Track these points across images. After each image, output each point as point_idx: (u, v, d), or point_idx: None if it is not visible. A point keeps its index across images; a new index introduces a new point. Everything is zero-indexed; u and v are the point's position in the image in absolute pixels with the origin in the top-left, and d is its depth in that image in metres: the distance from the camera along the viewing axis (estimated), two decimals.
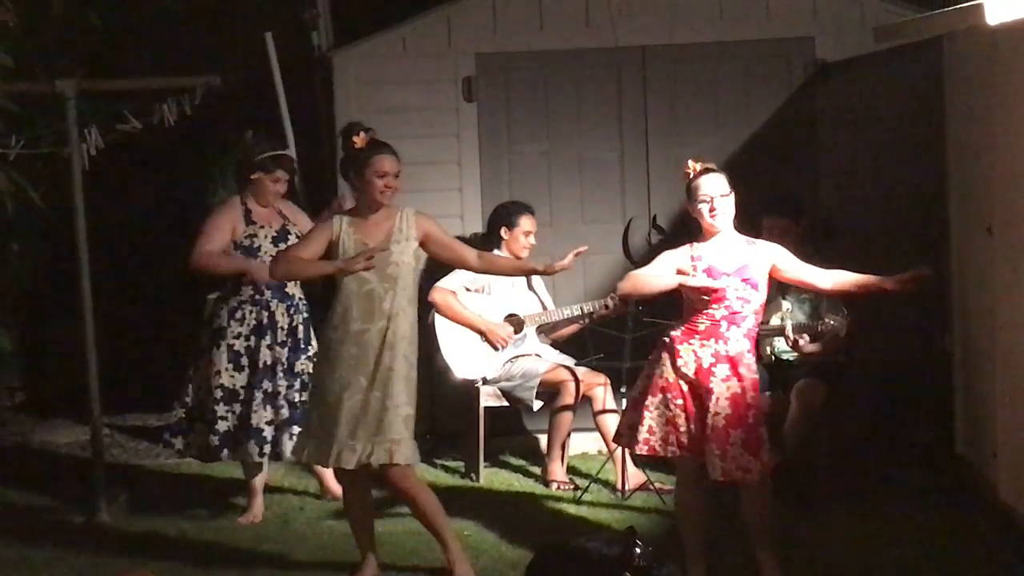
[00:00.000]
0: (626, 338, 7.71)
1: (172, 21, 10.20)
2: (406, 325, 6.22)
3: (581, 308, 8.15)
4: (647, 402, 6.09)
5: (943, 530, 6.81)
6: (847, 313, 7.21)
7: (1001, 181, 6.62)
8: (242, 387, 7.35)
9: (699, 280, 6.01)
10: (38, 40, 9.00)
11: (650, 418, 6.08)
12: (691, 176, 6.15)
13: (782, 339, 7.55)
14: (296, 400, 7.36)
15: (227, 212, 7.47)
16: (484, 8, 8.74)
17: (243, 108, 9.43)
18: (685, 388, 6.04)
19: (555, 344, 8.33)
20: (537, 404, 8.05)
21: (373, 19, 9.10)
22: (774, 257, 6.14)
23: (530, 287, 8.35)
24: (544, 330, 8.33)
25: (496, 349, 8.11)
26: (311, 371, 7.22)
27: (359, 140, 6.30)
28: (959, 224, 7.55)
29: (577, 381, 7.95)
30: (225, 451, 7.35)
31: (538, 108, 8.81)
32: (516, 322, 8.20)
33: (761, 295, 6.09)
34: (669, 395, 6.05)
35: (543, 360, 8.14)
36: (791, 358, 7.57)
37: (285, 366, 7.39)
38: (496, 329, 8.10)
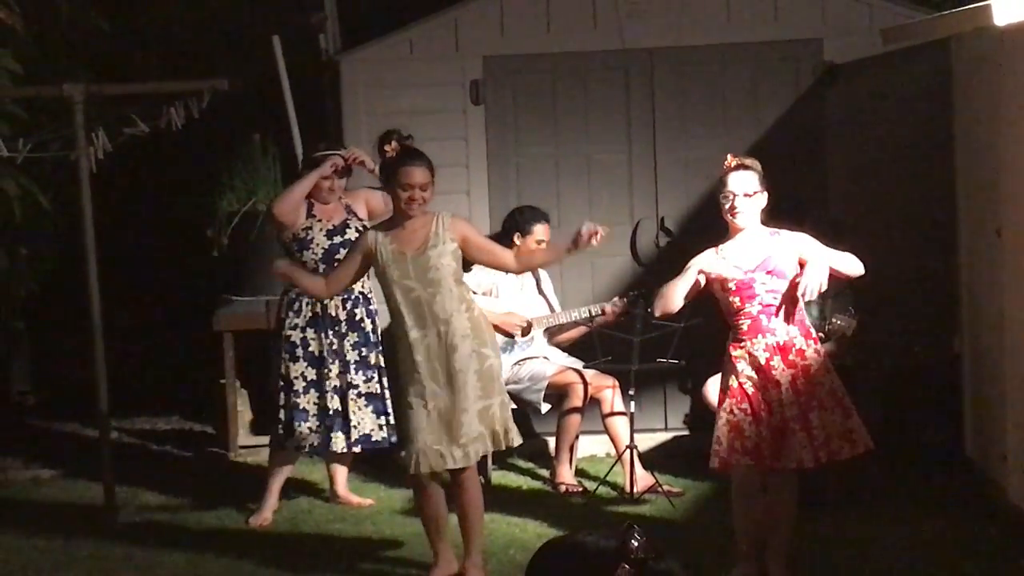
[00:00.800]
0: (634, 340, 7.70)
1: (180, 25, 10.22)
2: (464, 324, 6.26)
3: (589, 311, 8.14)
4: (718, 415, 6.13)
5: (952, 533, 6.80)
6: (853, 313, 7.20)
7: (1010, 183, 6.61)
8: (295, 377, 7.38)
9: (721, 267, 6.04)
10: (46, 45, 9.01)
11: (718, 429, 6.10)
12: (726, 169, 6.16)
13: None
14: (377, 391, 7.43)
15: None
16: (491, 11, 8.74)
17: (251, 112, 9.44)
18: (750, 392, 6.04)
19: (560, 348, 8.32)
20: (545, 407, 8.04)
21: (380, 23, 9.10)
22: (799, 247, 6.13)
23: (539, 290, 8.34)
24: (551, 333, 8.32)
25: (510, 338, 8.09)
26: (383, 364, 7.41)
27: (390, 149, 6.35)
28: (968, 226, 7.54)
29: (585, 383, 7.94)
30: (308, 439, 7.41)
31: (546, 111, 8.81)
32: (526, 325, 8.18)
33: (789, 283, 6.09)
34: (733, 400, 6.07)
35: (551, 362, 8.14)
36: None
37: (348, 358, 7.40)
38: (507, 318, 8.08)
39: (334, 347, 7.40)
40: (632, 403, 7.72)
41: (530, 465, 8.46)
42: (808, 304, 7.48)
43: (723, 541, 6.57)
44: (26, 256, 9.38)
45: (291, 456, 7.52)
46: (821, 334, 7.23)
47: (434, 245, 6.24)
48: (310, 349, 7.40)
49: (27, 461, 9.04)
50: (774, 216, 7.49)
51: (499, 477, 8.17)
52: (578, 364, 8.12)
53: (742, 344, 6.08)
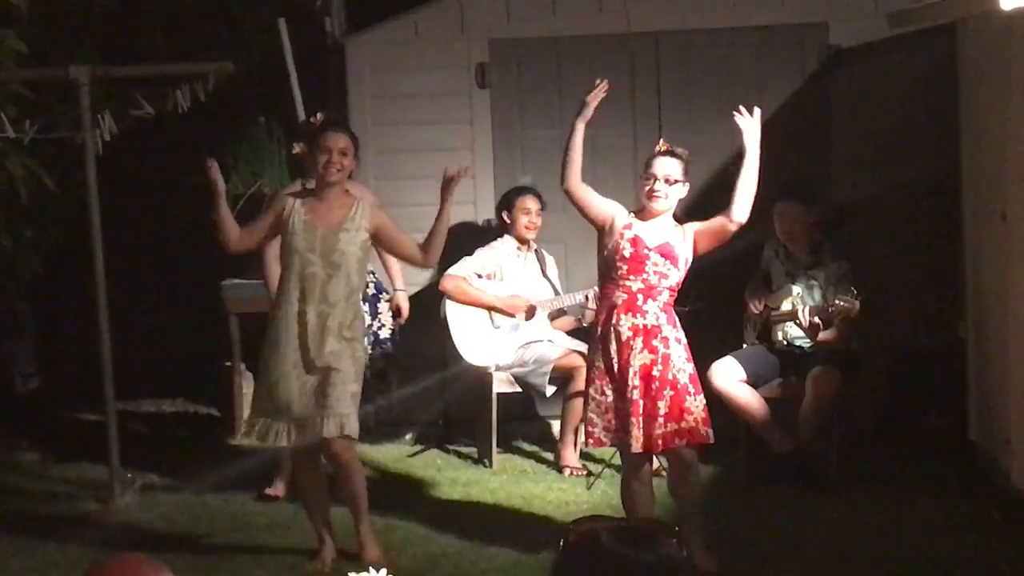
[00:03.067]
0: None
1: (185, 7, 10.20)
2: (348, 314, 6.25)
3: (587, 294, 8.13)
4: (587, 394, 6.18)
5: (956, 517, 6.81)
6: (856, 294, 7.20)
7: (1015, 167, 6.61)
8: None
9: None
10: (51, 26, 9.00)
11: (590, 411, 6.16)
12: (655, 151, 6.19)
13: (794, 325, 7.56)
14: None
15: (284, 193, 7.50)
16: None
17: (256, 94, 9.43)
18: (615, 371, 6.07)
19: (567, 331, 8.33)
20: (550, 390, 8.06)
21: (386, 5, 9.09)
22: (690, 230, 6.18)
23: (543, 274, 8.35)
24: (553, 316, 8.34)
25: (515, 323, 8.10)
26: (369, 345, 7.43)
27: (315, 120, 6.38)
28: (972, 210, 7.54)
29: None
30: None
31: (551, 94, 8.80)
32: (529, 309, 8.20)
33: (679, 274, 6.13)
34: (600, 383, 6.13)
35: (556, 346, 8.14)
36: (805, 345, 7.57)
37: None
38: (511, 300, 8.10)
39: None
40: None
41: (535, 448, 8.47)
42: (811, 289, 7.53)
43: (726, 523, 6.59)
44: (31, 238, 9.38)
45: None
46: (831, 310, 7.25)
47: (347, 229, 6.25)
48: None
49: (31, 443, 9.05)
50: (783, 199, 7.54)
51: (503, 461, 8.18)
52: (583, 347, 8.12)
53: (612, 320, 6.08)
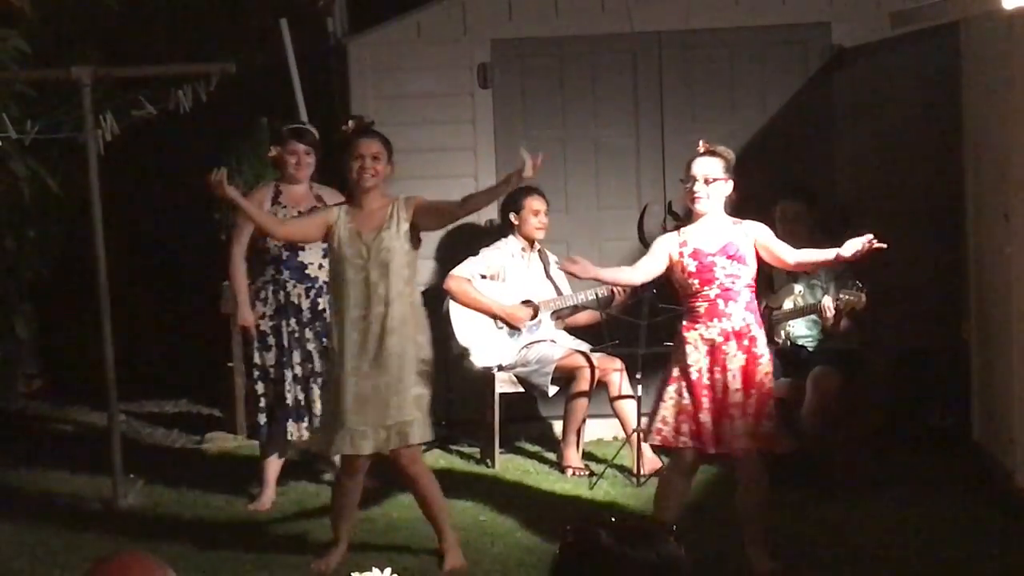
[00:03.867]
0: (641, 324, 7.70)
1: (188, 8, 10.21)
2: (405, 308, 6.25)
3: (596, 293, 8.14)
4: (664, 393, 6.14)
5: (959, 517, 6.80)
6: (861, 286, 7.18)
7: (1018, 167, 6.61)
8: (271, 366, 7.37)
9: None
10: (54, 26, 9.01)
11: (664, 408, 6.12)
12: (695, 153, 6.19)
13: (798, 324, 7.55)
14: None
15: (256, 194, 7.47)
16: None
17: (258, 95, 9.43)
18: (703, 377, 6.05)
19: (570, 331, 8.33)
20: (552, 390, 8.05)
21: (387, 6, 9.09)
22: (756, 233, 6.16)
23: (547, 274, 8.35)
24: (560, 316, 8.33)
25: (516, 331, 8.11)
26: None
27: (347, 127, 6.37)
28: (976, 210, 7.53)
29: (592, 367, 7.95)
30: (266, 429, 7.41)
31: (553, 94, 8.80)
32: (531, 308, 8.19)
33: (751, 269, 6.11)
34: (683, 384, 6.09)
35: (558, 346, 8.14)
36: (807, 344, 7.56)
37: (310, 347, 7.37)
38: (513, 311, 8.10)
39: (296, 335, 7.37)
40: (639, 387, 7.72)
41: (537, 448, 8.47)
42: (813, 288, 7.52)
43: (728, 525, 6.58)
44: (34, 239, 9.39)
45: (281, 444, 7.50)
46: (837, 305, 7.23)
47: (388, 228, 6.25)
48: (281, 338, 7.37)
49: (35, 444, 9.05)
50: (785, 199, 7.54)
51: (506, 461, 8.18)
52: (585, 347, 8.13)
53: (696, 327, 6.08)
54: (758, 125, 8.65)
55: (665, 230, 8.63)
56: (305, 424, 7.34)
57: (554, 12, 8.72)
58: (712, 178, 6.11)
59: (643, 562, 2.56)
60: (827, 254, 6.17)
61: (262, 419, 7.43)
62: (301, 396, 7.37)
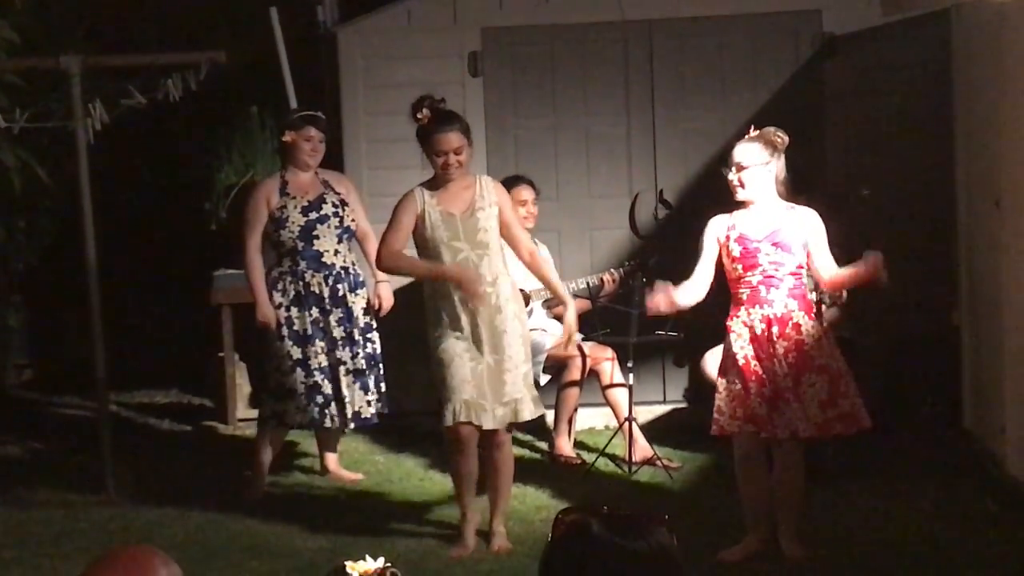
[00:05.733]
0: (633, 313, 7.70)
1: None
2: (508, 287, 6.34)
3: (587, 282, 8.14)
4: (718, 384, 6.17)
5: (950, 504, 6.81)
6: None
7: (1009, 154, 6.60)
8: (283, 357, 7.35)
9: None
10: (43, 15, 8.98)
11: (719, 399, 6.14)
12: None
13: None
14: (363, 367, 7.36)
15: (263, 188, 7.47)
16: None
17: (248, 84, 9.41)
18: (751, 364, 6.05)
19: (561, 319, 8.32)
20: (544, 379, 8.04)
21: None
22: (809, 228, 6.13)
23: None
24: (550, 305, 8.32)
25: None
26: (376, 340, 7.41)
27: (422, 116, 6.34)
28: (967, 197, 7.53)
29: (584, 356, 7.94)
30: (296, 416, 7.41)
31: (544, 83, 8.78)
32: (523, 297, 8.18)
33: (796, 258, 6.09)
34: (733, 371, 6.09)
35: (549, 335, 8.13)
36: None
37: (335, 335, 7.35)
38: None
39: (320, 324, 7.35)
40: (631, 376, 7.72)
41: (529, 437, 8.45)
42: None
43: (720, 514, 6.59)
44: (24, 229, 9.36)
45: (279, 433, 7.50)
46: (825, 301, 7.23)
47: (481, 208, 6.31)
48: (295, 328, 7.34)
49: (25, 435, 9.04)
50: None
51: None
52: (576, 336, 8.11)
53: (739, 314, 6.08)
54: (749, 113, 8.61)
55: (656, 218, 8.66)
56: (335, 410, 7.32)
57: (544, 0, 8.70)
58: (746, 165, 6.09)
59: (635, 551, 2.55)
60: (857, 274, 6.15)
61: (268, 409, 7.42)
62: (330, 386, 7.33)
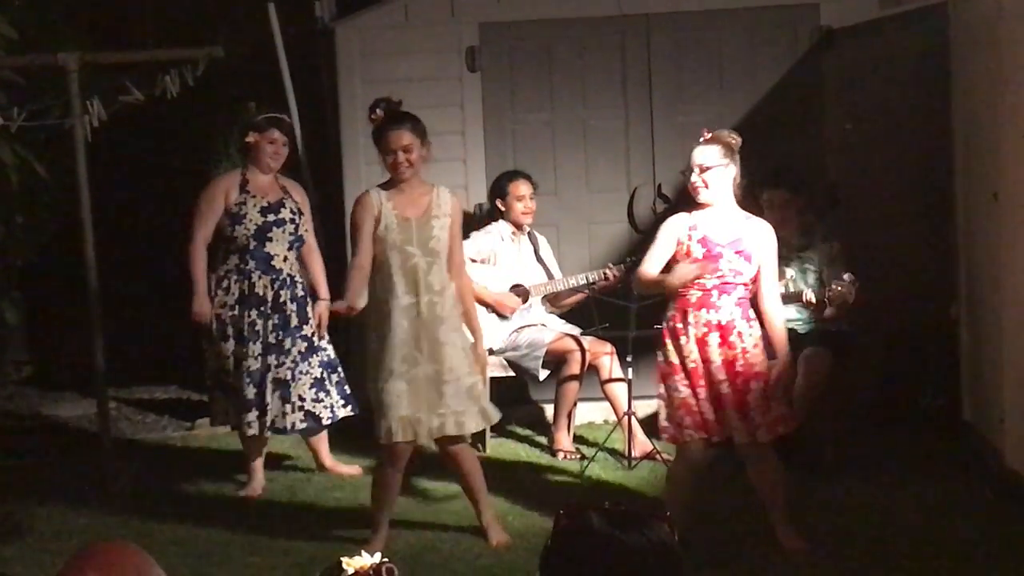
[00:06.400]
0: (632, 307, 7.70)
1: None
2: (452, 297, 6.26)
3: (587, 277, 8.14)
4: (659, 391, 6.15)
5: (950, 497, 6.81)
6: (854, 279, 7.18)
7: (1007, 147, 6.60)
8: (227, 357, 7.32)
9: (699, 267, 6.00)
10: (40, 12, 8.97)
11: (664, 406, 6.12)
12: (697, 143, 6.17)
13: (788, 308, 7.54)
14: (287, 378, 7.30)
15: (222, 182, 7.44)
16: None
17: (246, 80, 9.40)
18: (691, 367, 6.04)
19: (560, 314, 8.33)
20: (543, 374, 8.05)
21: None
22: (762, 242, 6.09)
23: (537, 257, 8.34)
24: (549, 299, 8.32)
25: (504, 319, 8.10)
26: (303, 350, 7.28)
27: (375, 117, 6.32)
28: (965, 190, 7.52)
29: (583, 350, 7.95)
30: (227, 416, 7.41)
31: (542, 77, 8.78)
32: (522, 292, 8.19)
33: (753, 268, 6.07)
34: (676, 377, 6.08)
35: (549, 329, 8.14)
36: (797, 327, 7.56)
37: (271, 341, 7.31)
38: (502, 299, 8.09)
39: (255, 327, 7.31)
40: (630, 370, 7.72)
41: (528, 432, 8.47)
42: (805, 272, 7.52)
43: (718, 508, 6.59)
44: (22, 225, 9.36)
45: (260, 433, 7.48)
46: (827, 296, 7.23)
47: (436, 216, 6.24)
48: (240, 327, 7.32)
49: (24, 431, 9.04)
50: (770, 187, 7.53)
51: (497, 445, 8.18)
52: (576, 331, 8.12)
53: (683, 317, 6.05)
54: (747, 107, 8.64)
55: (655, 212, 8.66)
56: (256, 416, 7.27)
57: None
58: (707, 166, 6.07)
59: (634, 546, 2.56)
60: (781, 341, 6.09)
61: (219, 407, 7.43)
62: (253, 391, 7.28)
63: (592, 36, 8.75)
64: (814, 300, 7.28)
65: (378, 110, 6.37)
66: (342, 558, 2.75)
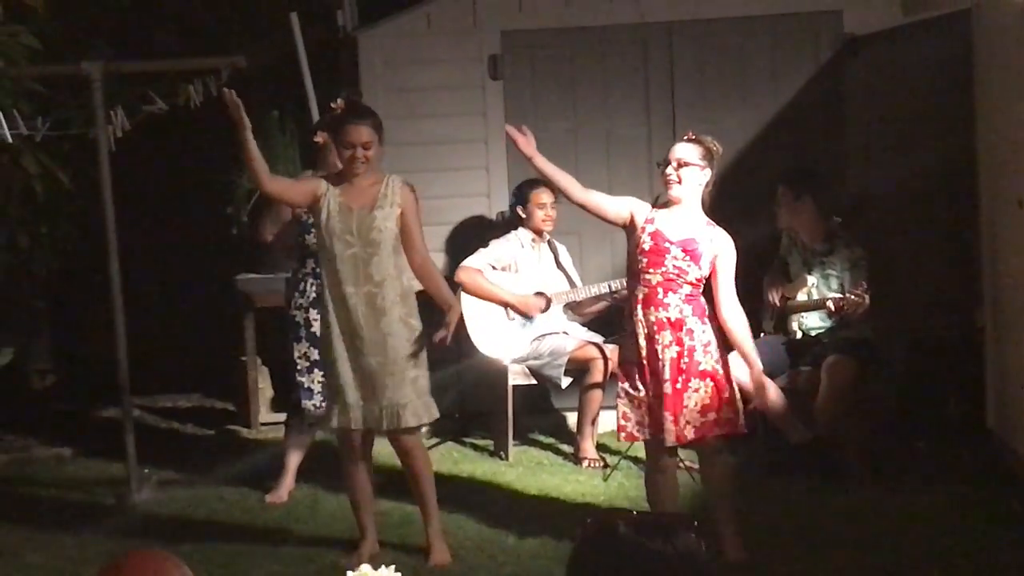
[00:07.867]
0: None
1: (199, 2, 10.21)
2: (395, 290, 6.20)
3: (609, 285, 8.14)
4: (618, 389, 6.16)
5: (974, 505, 6.78)
6: (867, 288, 7.18)
7: None
8: (299, 357, 7.34)
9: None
10: (64, 22, 9.01)
11: (623, 405, 6.13)
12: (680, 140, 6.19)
13: (811, 315, 7.54)
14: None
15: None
16: None
17: (269, 89, 9.43)
18: (646, 365, 6.06)
19: (583, 322, 8.32)
20: (565, 381, 8.04)
21: None
22: (719, 249, 6.08)
23: (558, 264, 8.34)
24: (571, 307, 8.32)
25: (528, 319, 8.10)
26: None
27: (336, 106, 6.32)
28: (989, 198, 7.50)
29: (605, 358, 7.94)
30: (294, 418, 7.44)
31: (564, 85, 8.79)
32: (544, 300, 8.18)
33: (701, 271, 6.06)
34: (634, 378, 6.10)
35: (571, 337, 8.13)
36: (821, 335, 7.54)
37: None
38: (526, 300, 8.09)
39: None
40: None
41: (551, 440, 8.46)
42: (827, 278, 7.51)
43: (744, 516, 6.57)
44: (47, 235, 9.39)
45: (305, 434, 7.52)
46: (844, 301, 7.22)
47: (380, 207, 6.20)
48: (312, 329, 7.32)
49: (49, 440, 9.07)
50: (783, 183, 7.52)
51: (520, 453, 8.17)
52: (598, 339, 8.12)
53: (636, 313, 6.07)
54: (770, 114, 8.63)
55: None
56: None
57: (564, 3, 8.71)
58: (685, 162, 6.08)
59: (661, 554, 2.55)
60: (746, 358, 6.11)
61: (291, 409, 7.45)
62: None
63: (614, 44, 8.74)
64: (833, 308, 7.27)
65: (339, 100, 6.37)
66: (343, 561, 2.74)
